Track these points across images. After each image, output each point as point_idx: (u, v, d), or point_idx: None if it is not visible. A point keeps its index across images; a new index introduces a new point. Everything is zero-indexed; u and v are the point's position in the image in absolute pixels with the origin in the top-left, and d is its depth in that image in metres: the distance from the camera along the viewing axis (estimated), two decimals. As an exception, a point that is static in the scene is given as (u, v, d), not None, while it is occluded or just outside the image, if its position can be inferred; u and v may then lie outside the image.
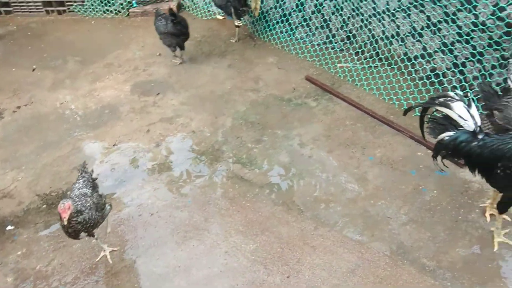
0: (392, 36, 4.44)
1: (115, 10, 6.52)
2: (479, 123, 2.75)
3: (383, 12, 4.37)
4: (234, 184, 3.71)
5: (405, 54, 4.42)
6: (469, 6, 3.67)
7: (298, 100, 4.58)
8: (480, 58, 3.83)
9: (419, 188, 3.53)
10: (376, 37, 4.64)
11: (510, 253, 3.02)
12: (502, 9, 3.47)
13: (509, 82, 3.52)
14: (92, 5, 6.58)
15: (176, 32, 5.04)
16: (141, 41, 5.88)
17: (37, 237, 3.43)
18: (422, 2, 3.93)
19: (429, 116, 2.98)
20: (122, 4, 6.48)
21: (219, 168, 3.87)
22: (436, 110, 2.90)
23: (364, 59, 4.83)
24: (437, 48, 4.12)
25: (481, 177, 2.85)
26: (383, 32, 4.54)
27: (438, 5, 3.83)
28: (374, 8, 4.44)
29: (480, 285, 2.86)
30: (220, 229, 3.35)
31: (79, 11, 6.71)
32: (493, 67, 3.73)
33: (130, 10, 6.50)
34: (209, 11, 6.10)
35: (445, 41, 4.04)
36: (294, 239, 3.24)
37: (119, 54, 5.65)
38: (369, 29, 4.66)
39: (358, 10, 4.66)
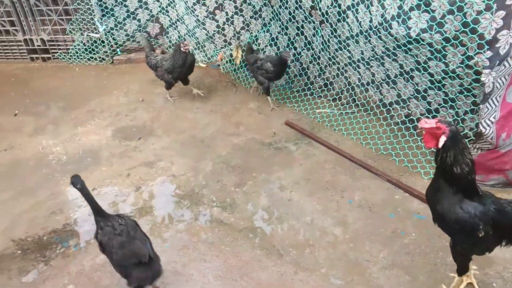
0: (368, 83, 4.60)
1: (100, 57, 6.66)
2: None
3: (358, 60, 4.55)
4: (213, 228, 3.69)
5: (381, 100, 4.58)
6: (439, 55, 3.85)
7: (278, 144, 4.65)
8: (453, 104, 3.98)
9: (398, 231, 3.56)
10: (353, 84, 4.81)
11: (488, 296, 3.03)
12: (470, 58, 3.65)
13: (480, 127, 3.67)
14: (77, 53, 6.71)
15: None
16: (124, 88, 5.98)
17: (11, 283, 3.32)
18: (394, 51, 4.11)
19: None
20: (106, 52, 6.62)
21: (199, 212, 3.86)
22: None
23: (341, 105, 4.98)
24: (411, 95, 4.28)
25: None
26: (359, 80, 4.71)
27: (410, 54, 4.02)
28: (349, 57, 4.62)
29: (460, 329, 2.85)
30: (198, 275, 3.29)
31: (63, 58, 6.83)
32: (465, 112, 3.87)
33: (114, 58, 6.65)
34: (192, 59, 6.26)
35: (418, 88, 4.20)
36: (273, 284, 3.20)
37: (102, 100, 5.71)
38: (345, 77, 4.83)
39: (334, 59, 4.85)
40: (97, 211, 2.98)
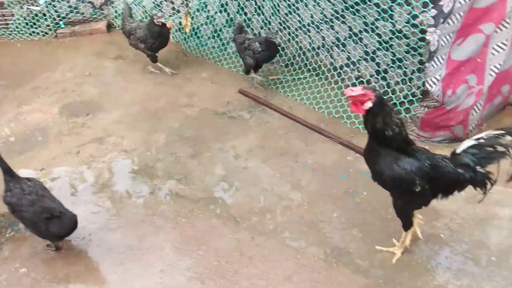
0: (318, 47, 4.59)
1: (42, 31, 6.31)
2: None
3: (308, 24, 4.51)
4: (169, 201, 3.65)
5: (332, 64, 4.58)
6: (386, 15, 3.87)
7: (232, 113, 4.61)
8: (400, 64, 4.03)
9: (350, 191, 3.64)
10: (304, 49, 4.78)
11: (438, 247, 3.16)
12: (415, 17, 3.68)
13: (427, 85, 3.75)
14: (17, 27, 6.33)
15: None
16: (70, 62, 5.71)
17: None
18: (343, 13, 4.10)
19: None
20: (49, 26, 6.28)
21: (154, 185, 3.80)
22: None
23: (294, 71, 4.95)
24: (360, 57, 4.30)
25: None
26: (310, 44, 4.69)
27: (358, 16, 4.02)
28: (300, 21, 4.58)
29: (411, 280, 2.97)
30: (155, 248, 3.27)
31: (3, 34, 6.43)
32: (413, 72, 3.93)
33: (58, 32, 6.31)
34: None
35: (367, 49, 4.23)
36: (231, 251, 3.22)
37: (47, 76, 5.44)
38: (297, 42, 4.79)
39: (285, 24, 4.79)
40: (6, 171, 3.17)
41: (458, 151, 2.81)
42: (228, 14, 5.31)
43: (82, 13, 6.33)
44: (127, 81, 5.21)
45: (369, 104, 2.57)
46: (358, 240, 3.26)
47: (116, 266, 3.15)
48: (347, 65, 4.44)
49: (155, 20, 4.96)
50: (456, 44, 3.70)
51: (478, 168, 2.76)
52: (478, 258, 3.08)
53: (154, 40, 5.05)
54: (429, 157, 2.75)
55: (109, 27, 6.32)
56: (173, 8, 5.69)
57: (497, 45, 3.81)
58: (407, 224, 3.01)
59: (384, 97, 2.65)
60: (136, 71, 5.38)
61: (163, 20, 5.01)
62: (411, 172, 2.66)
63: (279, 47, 4.71)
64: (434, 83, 3.72)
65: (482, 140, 2.75)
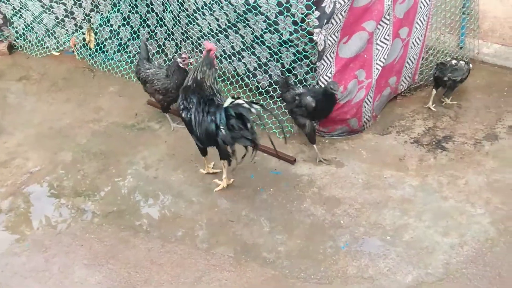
0: (221, 55, 4.71)
1: None
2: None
3: (208, 33, 4.61)
4: (77, 218, 3.60)
5: (235, 70, 4.73)
6: (273, 26, 4.01)
7: (141, 125, 4.61)
8: (291, 72, 4.23)
9: (258, 189, 3.78)
10: (208, 57, 4.89)
11: (338, 232, 3.37)
12: (303, 20, 3.89)
13: (320, 83, 3.99)
14: None
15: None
16: (-31, 87, 5.43)
17: None
18: (235, 23, 4.23)
19: None
20: None
21: (60, 204, 3.72)
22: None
23: (201, 78, 5.05)
24: (255, 67, 4.47)
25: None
26: (212, 52, 4.80)
27: (249, 27, 4.16)
28: (200, 31, 4.67)
29: (314, 267, 3.14)
30: (62, 267, 3.21)
31: None
32: (307, 72, 4.15)
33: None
34: (45, 47, 5.87)
35: (260, 61, 4.39)
36: (141, 261, 3.24)
37: None
38: (200, 50, 4.89)
39: (187, 33, 4.87)
40: None
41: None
42: (132, 27, 5.31)
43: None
44: (31, 102, 5.04)
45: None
46: (266, 234, 3.39)
47: (21, 290, 3.07)
48: (246, 75, 4.60)
49: (180, 64, 4.17)
50: (343, 43, 3.96)
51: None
52: (375, 239, 3.33)
53: (177, 91, 4.04)
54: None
55: (11, 48, 6.06)
56: (75, 25, 5.60)
57: (381, 41, 4.11)
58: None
59: None
60: (41, 91, 5.21)
61: (192, 60, 4.30)
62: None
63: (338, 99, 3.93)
64: (326, 80, 3.97)
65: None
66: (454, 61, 4.52)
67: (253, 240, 3.35)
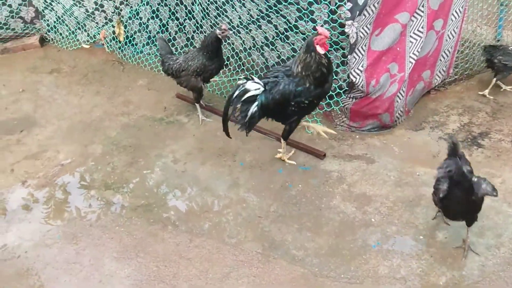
0: (250, 48, 4.67)
1: (-29, 49, 6.10)
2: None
3: (237, 25, 4.58)
4: (106, 210, 3.63)
5: (264, 63, 4.68)
6: (306, 13, 3.96)
7: (170, 118, 4.62)
8: None
9: (286, 184, 3.73)
10: (237, 50, 4.86)
11: (369, 231, 3.30)
12: (334, 12, 3.81)
13: (351, 77, 3.90)
14: None
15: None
16: (3, 80, 5.54)
17: None
18: (267, 13, 4.19)
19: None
20: (-22, 43, 6.08)
21: (90, 197, 3.76)
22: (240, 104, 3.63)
23: (229, 72, 5.02)
24: (289, 55, 4.40)
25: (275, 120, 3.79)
26: (242, 45, 4.76)
27: (281, 15, 4.11)
28: (229, 23, 4.64)
29: (344, 265, 3.08)
30: (93, 260, 3.24)
31: None
32: (337, 65, 4.07)
33: (-12, 49, 6.12)
34: (76, 40, 5.94)
35: (295, 47, 4.33)
36: (170, 255, 3.24)
37: (-21, 96, 5.28)
38: (229, 43, 4.85)
39: (216, 26, 4.84)
40: None
41: None
42: (161, 20, 5.31)
43: (13, 29, 6.15)
44: (62, 94, 5.12)
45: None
46: (294, 231, 3.35)
47: (53, 281, 3.11)
48: (278, 64, 4.54)
49: (219, 35, 4.15)
50: (375, 35, 3.85)
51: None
52: (407, 238, 3.24)
53: (213, 63, 4.26)
54: None
55: (43, 41, 6.17)
56: (105, 17, 5.64)
57: (414, 33, 3.98)
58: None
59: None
60: (72, 83, 5.29)
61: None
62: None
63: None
64: (358, 74, 3.87)
65: None
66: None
67: (282, 237, 3.31)
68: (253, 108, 3.62)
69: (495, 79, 4.47)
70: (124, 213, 3.59)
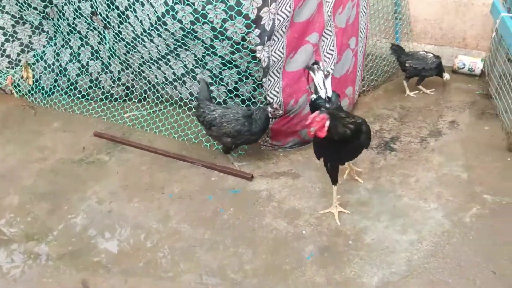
0: (163, 82, 4.67)
1: None
2: (328, 94, 3.58)
3: (148, 61, 4.55)
4: (31, 263, 3.40)
5: (178, 95, 4.70)
6: (212, 50, 4.01)
7: (90, 158, 4.47)
8: (238, 91, 4.29)
9: (218, 210, 3.74)
10: (153, 83, 4.84)
11: (302, 244, 3.38)
12: (244, 39, 3.93)
13: (268, 98, 4.02)
14: None
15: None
16: None
17: None
18: (175, 49, 4.19)
19: None
20: None
21: (11, 251, 3.51)
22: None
23: (148, 105, 4.98)
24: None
25: None
26: (156, 78, 4.75)
27: (189, 51, 4.14)
28: (141, 58, 4.60)
29: (283, 280, 3.13)
30: (19, 318, 3.02)
31: None
32: (254, 89, 4.19)
33: None
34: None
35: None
36: (121, 300, 3.11)
37: None
38: (144, 77, 4.83)
39: (126, 63, 4.79)
40: None
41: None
42: (73, 59, 5.18)
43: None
44: (-32, 147, 4.78)
45: (327, 123, 2.97)
46: (231, 255, 3.35)
47: None
48: (189, 99, 4.58)
49: (269, 113, 4.02)
50: (289, 58, 4.00)
51: None
52: (337, 245, 3.37)
53: (250, 134, 4.03)
54: None
55: None
56: (10, 62, 5.39)
57: (327, 52, 4.19)
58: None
59: (332, 110, 3.24)
60: (-22, 134, 4.96)
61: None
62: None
63: None
64: (274, 95, 4.00)
65: None
66: (421, 52, 5.05)
67: (218, 263, 3.30)
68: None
69: (405, 81, 5.08)
70: (50, 264, 3.39)
